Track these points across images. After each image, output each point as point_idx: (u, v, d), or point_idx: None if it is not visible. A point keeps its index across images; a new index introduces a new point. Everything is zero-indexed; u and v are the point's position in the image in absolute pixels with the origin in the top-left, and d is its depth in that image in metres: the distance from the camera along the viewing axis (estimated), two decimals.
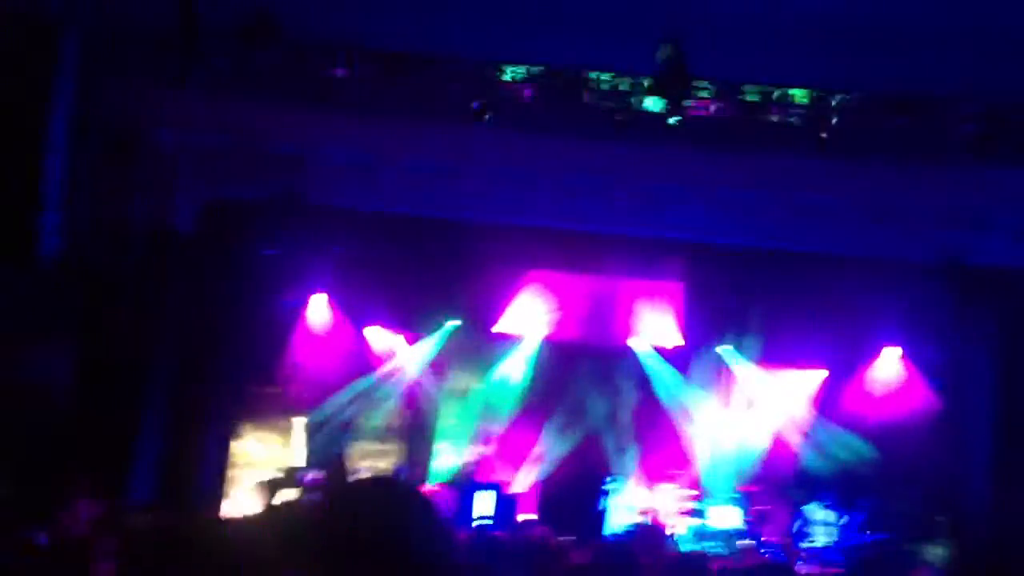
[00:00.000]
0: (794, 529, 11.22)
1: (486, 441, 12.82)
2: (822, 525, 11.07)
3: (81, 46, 8.76)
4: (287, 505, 7.47)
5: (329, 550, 1.80)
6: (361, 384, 12.59)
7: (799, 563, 10.27)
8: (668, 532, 11.38)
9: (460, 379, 12.98)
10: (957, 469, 11.40)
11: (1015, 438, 10.47)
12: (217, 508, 10.57)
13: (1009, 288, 10.40)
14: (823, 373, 12.75)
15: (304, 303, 12.06)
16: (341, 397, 12.39)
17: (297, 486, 8.61)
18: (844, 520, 11.06)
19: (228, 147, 9.95)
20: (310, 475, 9.47)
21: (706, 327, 12.55)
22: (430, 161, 10.63)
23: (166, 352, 10.44)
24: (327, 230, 11.13)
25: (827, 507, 11.22)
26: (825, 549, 10.86)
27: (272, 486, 8.02)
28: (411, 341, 12.91)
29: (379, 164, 10.53)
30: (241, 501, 10.64)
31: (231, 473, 11.71)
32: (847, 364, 12.48)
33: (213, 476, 11.09)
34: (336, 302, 12.27)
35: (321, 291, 12.09)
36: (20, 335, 8.59)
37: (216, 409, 11.14)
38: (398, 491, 1.98)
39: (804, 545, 10.92)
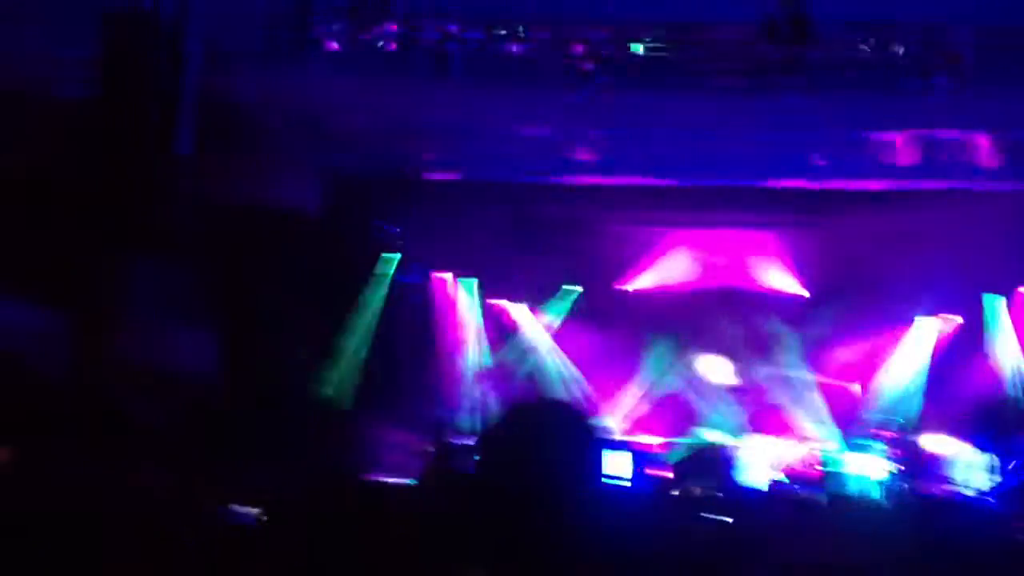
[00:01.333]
0: (952, 475, 10.70)
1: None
2: (978, 469, 10.63)
3: (202, 39, 9.06)
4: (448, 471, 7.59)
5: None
6: (492, 359, 12.74)
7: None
8: (812, 483, 11.24)
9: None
10: None
11: None
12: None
13: None
14: (958, 318, 12.43)
15: (428, 279, 12.23)
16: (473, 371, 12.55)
17: (452, 454, 8.73)
18: (1012, 464, 10.42)
19: (345, 123, 10.10)
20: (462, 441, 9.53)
21: (837, 275, 12.32)
22: (543, 127, 10.63)
23: (302, 335, 10.66)
24: (445, 203, 11.21)
25: (982, 450, 10.73)
26: (984, 493, 10.45)
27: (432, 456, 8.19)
28: (535, 312, 13.01)
29: (493, 133, 10.57)
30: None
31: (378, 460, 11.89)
32: (982, 305, 12.12)
33: (359, 462, 11.24)
34: (460, 276, 12.43)
35: (445, 266, 12.25)
36: (165, 319, 8.91)
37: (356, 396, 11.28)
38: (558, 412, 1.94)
39: (964, 491, 10.50)
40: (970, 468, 10.57)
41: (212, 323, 9.50)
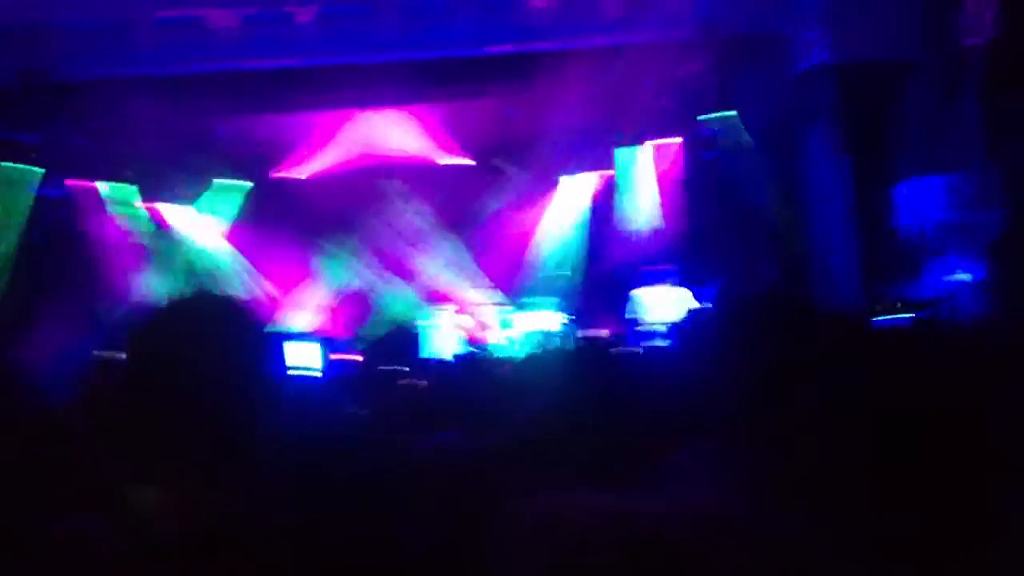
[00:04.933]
0: (627, 314, 10.99)
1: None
2: (664, 304, 10.76)
3: None
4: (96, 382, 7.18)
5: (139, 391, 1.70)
6: (149, 263, 12.04)
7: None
8: (487, 346, 11.75)
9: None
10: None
11: (790, 191, 11.25)
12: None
13: (763, 49, 10.86)
14: (609, 171, 13.17)
15: (74, 190, 11.27)
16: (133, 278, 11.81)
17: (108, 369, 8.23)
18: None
19: None
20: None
21: (492, 143, 12.66)
22: (181, 13, 10.00)
23: None
24: (81, 106, 10.28)
25: (669, 283, 10.95)
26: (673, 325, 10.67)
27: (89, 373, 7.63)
28: (199, 212, 12.47)
29: (128, 23, 9.80)
30: None
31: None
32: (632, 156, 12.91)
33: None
34: (111, 182, 11.58)
35: (93, 174, 11.34)
36: None
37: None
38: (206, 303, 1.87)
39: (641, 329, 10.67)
40: (657, 305, 10.87)
41: None
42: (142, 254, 11.80)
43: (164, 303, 1.83)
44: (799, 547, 1.25)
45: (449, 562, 1.87)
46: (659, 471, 1.94)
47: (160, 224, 12.18)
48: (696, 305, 10.48)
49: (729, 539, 1.14)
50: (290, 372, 9.82)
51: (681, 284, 10.93)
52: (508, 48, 10.74)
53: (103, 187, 11.51)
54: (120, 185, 11.60)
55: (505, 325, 12.14)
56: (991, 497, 1.45)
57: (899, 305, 7.67)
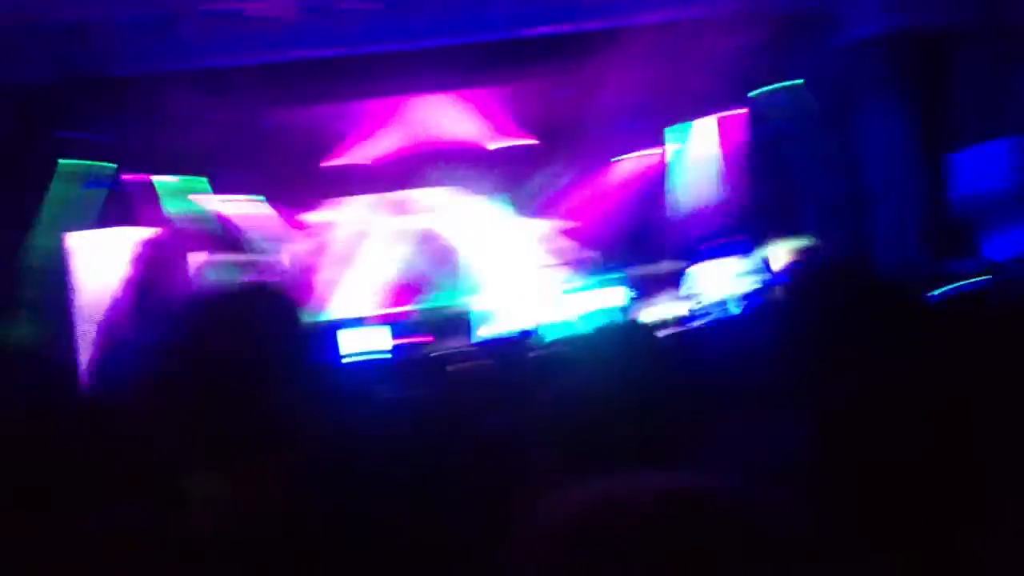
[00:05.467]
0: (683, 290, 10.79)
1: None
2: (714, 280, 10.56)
3: None
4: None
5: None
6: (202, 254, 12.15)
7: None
8: (547, 325, 11.69)
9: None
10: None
11: (846, 163, 11.07)
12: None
13: (815, 20, 10.68)
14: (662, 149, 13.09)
15: (125, 184, 11.40)
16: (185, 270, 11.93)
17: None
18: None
19: (11, 32, 9.08)
20: None
21: (543, 122, 12.61)
22: (225, 5, 10.04)
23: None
24: (130, 102, 10.35)
25: (733, 255, 10.61)
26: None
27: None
28: (256, 203, 12.60)
29: (175, 16, 9.88)
30: None
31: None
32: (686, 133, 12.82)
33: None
34: (168, 176, 11.72)
35: (140, 168, 11.46)
36: None
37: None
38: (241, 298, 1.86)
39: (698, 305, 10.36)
40: (714, 280, 10.64)
41: None
42: (195, 246, 11.94)
43: (206, 294, 1.83)
44: (844, 528, 1.20)
45: (493, 547, 1.84)
46: (709, 449, 1.89)
47: (211, 215, 12.31)
48: (754, 280, 10.35)
49: (776, 519, 1.09)
50: (345, 360, 9.87)
51: (735, 257, 10.76)
52: (555, 28, 10.61)
53: (154, 180, 11.65)
54: (170, 178, 11.72)
55: (566, 305, 12.09)
56: None
57: (959, 275, 7.46)
